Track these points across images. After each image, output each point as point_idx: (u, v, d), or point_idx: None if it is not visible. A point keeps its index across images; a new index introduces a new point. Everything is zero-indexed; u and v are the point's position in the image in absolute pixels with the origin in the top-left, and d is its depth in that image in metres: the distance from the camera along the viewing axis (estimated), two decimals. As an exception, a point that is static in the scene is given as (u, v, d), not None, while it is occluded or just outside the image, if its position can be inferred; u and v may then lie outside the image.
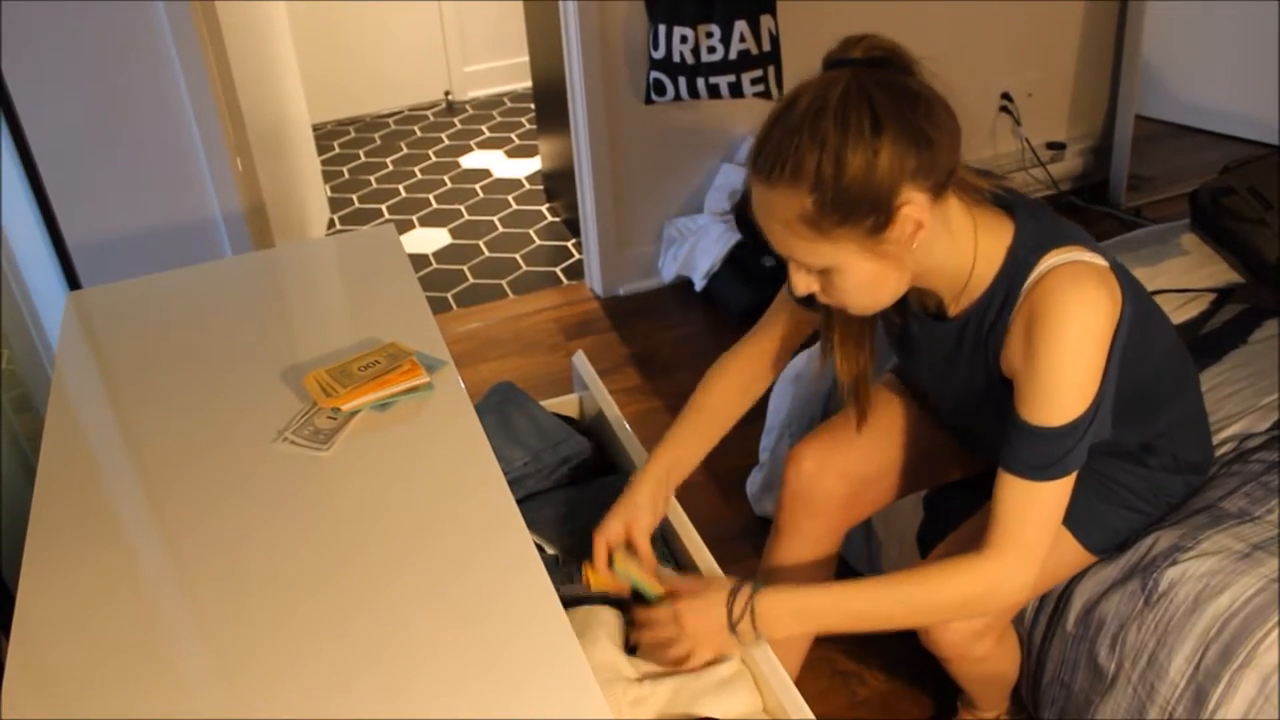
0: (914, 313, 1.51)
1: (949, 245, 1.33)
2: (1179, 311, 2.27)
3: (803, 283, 1.32)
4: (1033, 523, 1.35)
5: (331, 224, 4.21)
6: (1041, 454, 1.32)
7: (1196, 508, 1.72)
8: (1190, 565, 1.59)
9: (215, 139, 2.80)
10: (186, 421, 1.53)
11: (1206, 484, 1.77)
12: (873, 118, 1.18)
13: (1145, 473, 1.65)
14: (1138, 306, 1.43)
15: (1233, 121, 4.24)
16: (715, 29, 3.08)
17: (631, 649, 1.44)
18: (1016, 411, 1.33)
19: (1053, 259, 1.31)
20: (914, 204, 1.22)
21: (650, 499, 1.56)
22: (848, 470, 1.74)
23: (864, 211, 1.21)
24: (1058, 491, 1.34)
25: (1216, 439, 1.88)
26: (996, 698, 1.86)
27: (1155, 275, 2.38)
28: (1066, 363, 1.28)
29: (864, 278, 1.28)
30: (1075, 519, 1.61)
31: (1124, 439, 1.60)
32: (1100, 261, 1.32)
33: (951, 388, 1.54)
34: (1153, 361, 1.55)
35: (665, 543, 1.64)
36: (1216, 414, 1.94)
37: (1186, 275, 2.39)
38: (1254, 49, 4.09)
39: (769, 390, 2.41)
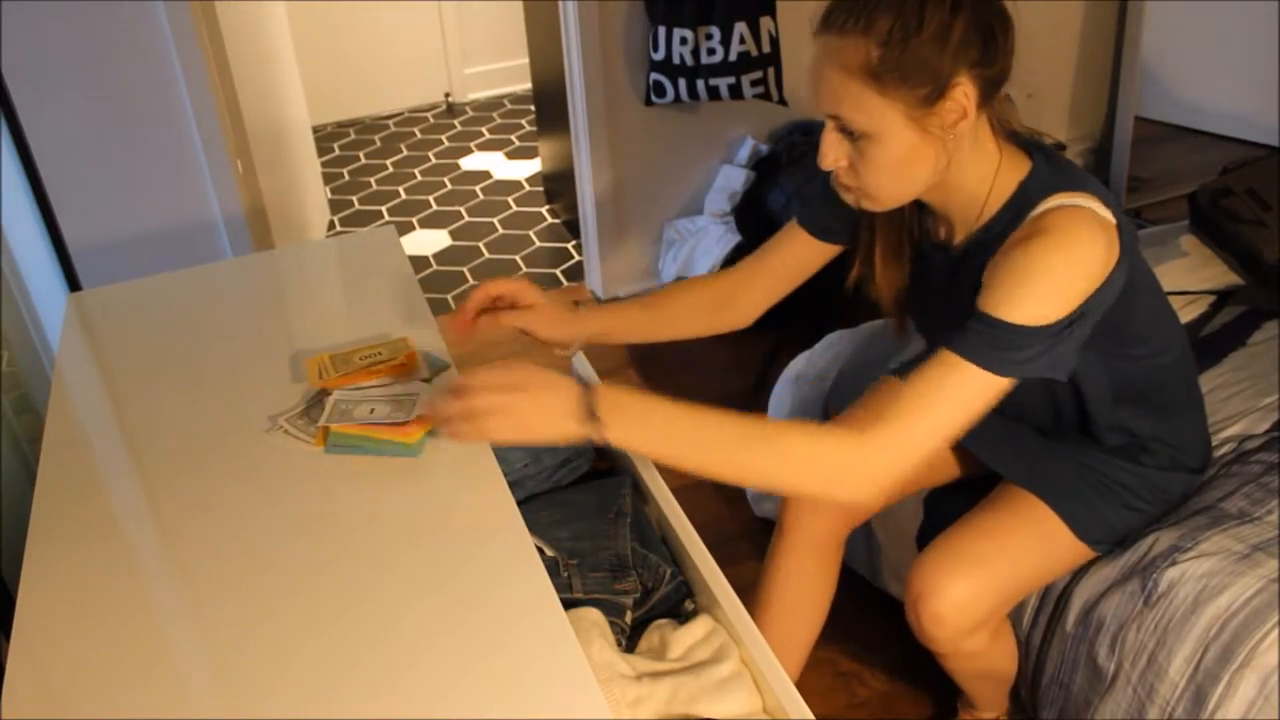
0: (926, 244, 1.53)
1: (975, 162, 1.38)
2: (1180, 313, 2.27)
3: (833, 151, 1.34)
4: (934, 405, 1.25)
5: (332, 226, 4.22)
6: (986, 341, 1.26)
7: (1196, 508, 1.72)
8: (1190, 566, 1.59)
9: (215, 141, 2.80)
10: (186, 422, 1.53)
11: (1206, 485, 1.77)
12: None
13: (1142, 471, 1.66)
14: (1147, 293, 1.44)
15: (1232, 123, 4.24)
16: (715, 31, 3.08)
17: (629, 649, 1.44)
18: (978, 305, 1.28)
19: (1059, 199, 1.32)
20: (966, 92, 1.27)
21: (555, 303, 1.58)
22: None
23: (922, 79, 1.25)
24: (979, 384, 1.25)
25: (1216, 440, 1.88)
26: (995, 697, 1.86)
27: (1156, 277, 2.37)
28: (1045, 268, 1.26)
29: (900, 152, 1.30)
30: (1071, 514, 1.62)
31: (1132, 425, 1.61)
32: (1108, 216, 1.32)
33: (947, 324, 1.52)
34: (1160, 348, 1.56)
35: (666, 544, 1.64)
36: (1216, 415, 1.94)
37: (1186, 277, 2.39)
38: (1253, 50, 4.10)
39: (769, 393, 2.42)
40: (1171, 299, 2.30)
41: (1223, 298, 2.32)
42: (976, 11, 1.25)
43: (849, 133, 1.31)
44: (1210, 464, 1.80)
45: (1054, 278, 1.26)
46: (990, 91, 1.31)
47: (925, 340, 1.70)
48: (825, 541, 1.79)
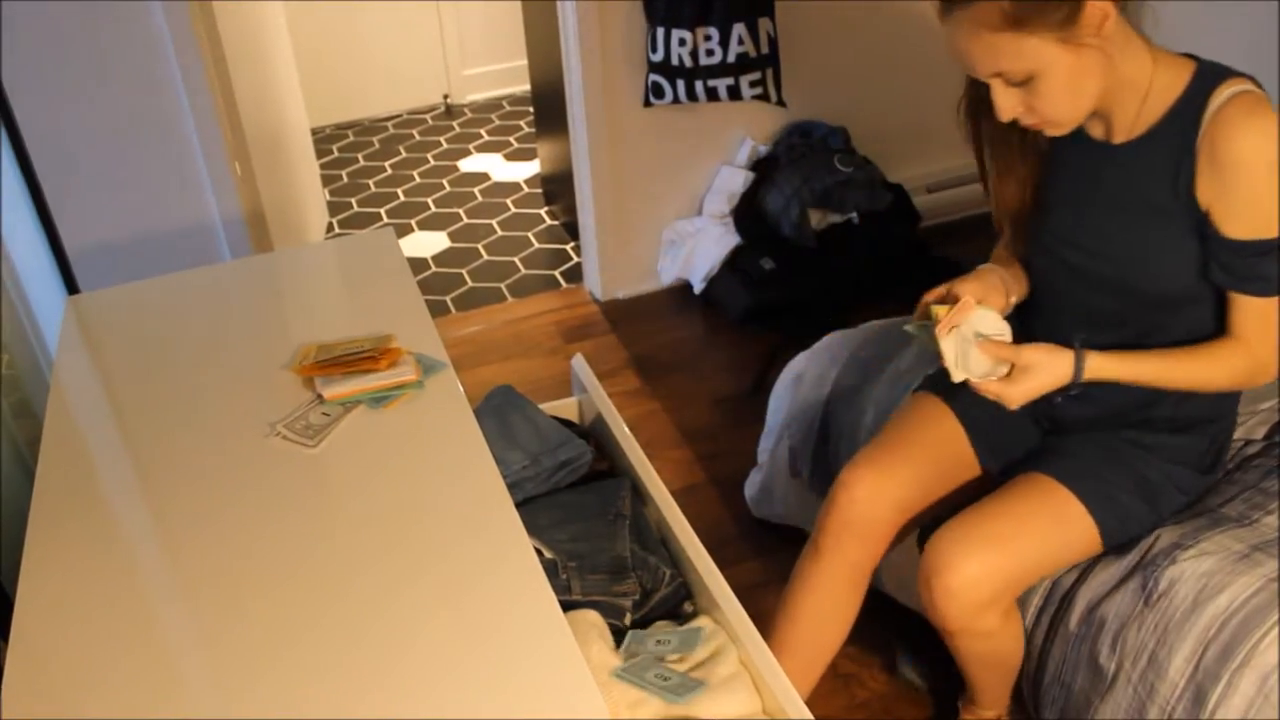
0: (1086, 143, 1.57)
1: (1129, 56, 1.45)
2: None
3: (1009, 104, 1.43)
4: (1273, 331, 1.50)
5: (330, 228, 4.22)
6: (1264, 265, 1.45)
7: (1197, 511, 1.72)
8: (1189, 565, 1.59)
9: (214, 144, 2.80)
10: (184, 424, 1.53)
11: (1207, 491, 1.77)
12: None
13: (1167, 468, 1.68)
14: None
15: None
16: (713, 32, 3.08)
17: (630, 654, 1.44)
18: (1226, 236, 1.44)
19: (1236, 85, 1.43)
20: None
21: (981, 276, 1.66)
22: (899, 498, 1.73)
23: (1055, 2, 1.33)
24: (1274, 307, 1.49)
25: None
26: (998, 690, 1.86)
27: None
28: (1270, 179, 1.39)
29: (1065, 75, 1.38)
30: (1095, 502, 1.63)
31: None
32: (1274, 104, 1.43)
33: (1103, 222, 1.58)
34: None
35: (665, 545, 1.64)
36: (1215, 415, 1.94)
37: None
38: (1245, 39, 4.10)
39: (768, 394, 2.42)
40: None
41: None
42: None
43: (1015, 83, 1.40)
44: (1224, 466, 1.81)
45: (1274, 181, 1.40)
46: None
47: (1036, 253, 1.71)
48: (862, 566, 1.77)
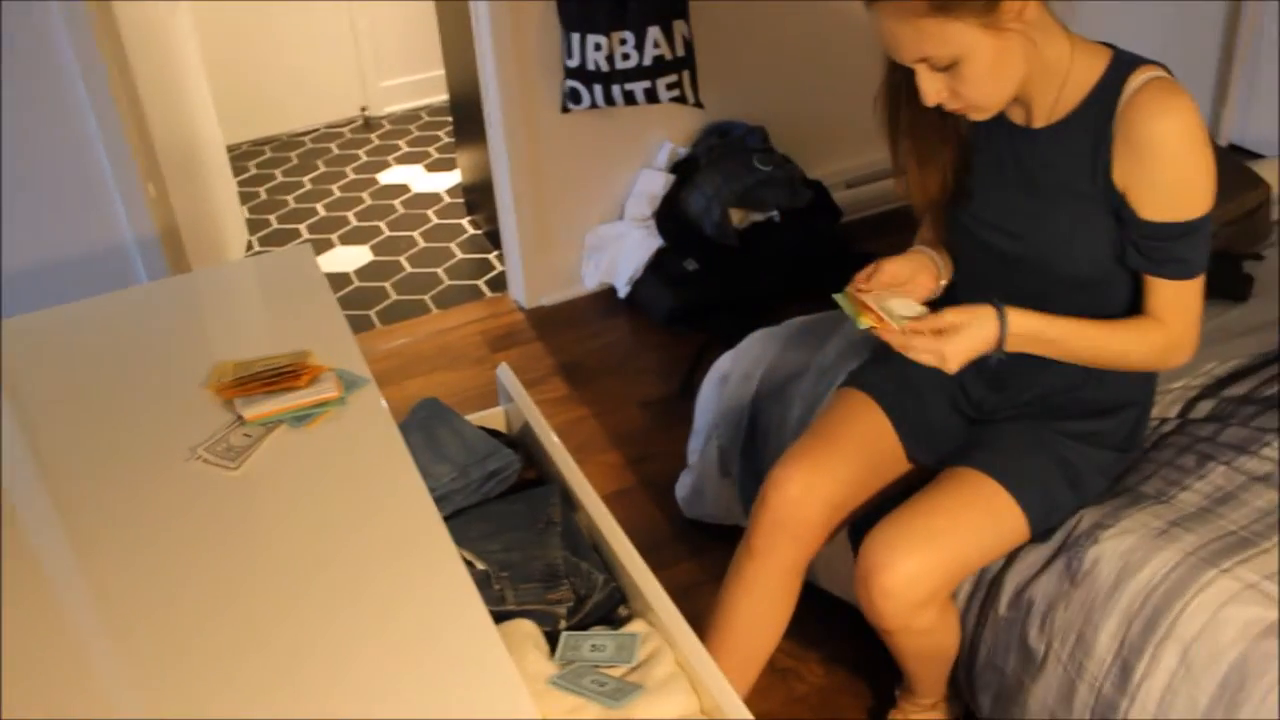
0: (1006, 128, 1.60)
1: (1049, 41, 1.49)
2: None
3: (932, 89, 1.46)
4: (1188, 313, 1.55)
5: (250, 246, 4.16)
6: (1180, 248, 1.50)
7: (1116, 490, 1.76)
8: (1111, 544, 1.63)
9: (125, 165, 2.75)
10: (101, 452, 1.50)
11: (1126, 470, 1.81)
12: None
13: (1089, 451, 1.71)
14: None
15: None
16: (629, 36, 3.09)
17: (566, 659, 1.43)
18: (1142, 218, 1.49)
19: (1149, 71, 1.48)
20: None
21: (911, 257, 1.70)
22: (830, 496, 1.74)
23: None
24: (1199, 285, 1.54)
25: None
26: (935, 680, 1.88)
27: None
28: (1194, 159, 1.45)
29: (989, 60, 1.42)
30: (1024, 495, 1.65)
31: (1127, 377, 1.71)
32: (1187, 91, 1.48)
33: (1024, 206, 1.60)
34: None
35: (597, 550, 1.64)
36: (1131, 396, 1.98)
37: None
38: (1154, 35, 4.20)
39: (695, 394, 2.42)
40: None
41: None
42: None
43: (939, 68, 1.43)
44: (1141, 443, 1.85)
45: (1195, 162, 1.45)
46: None
47: (958, 238, 1.73)
48: (795, 565, 1.78)
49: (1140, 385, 1.75)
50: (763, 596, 1.79)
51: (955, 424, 1.81)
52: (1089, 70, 1.51)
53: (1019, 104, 1.57)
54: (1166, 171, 1.45)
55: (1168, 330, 1.56)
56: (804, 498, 1.73)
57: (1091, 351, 1.59)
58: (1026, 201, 1.59)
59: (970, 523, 1.64)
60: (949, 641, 1.79)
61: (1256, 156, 3.84)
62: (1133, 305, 1.60)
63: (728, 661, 1.73)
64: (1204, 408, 1.94)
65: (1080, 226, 1.55)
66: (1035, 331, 1.56)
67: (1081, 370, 1.66)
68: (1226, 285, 2.28)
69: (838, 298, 1.62)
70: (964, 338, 1.53)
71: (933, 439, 1.81)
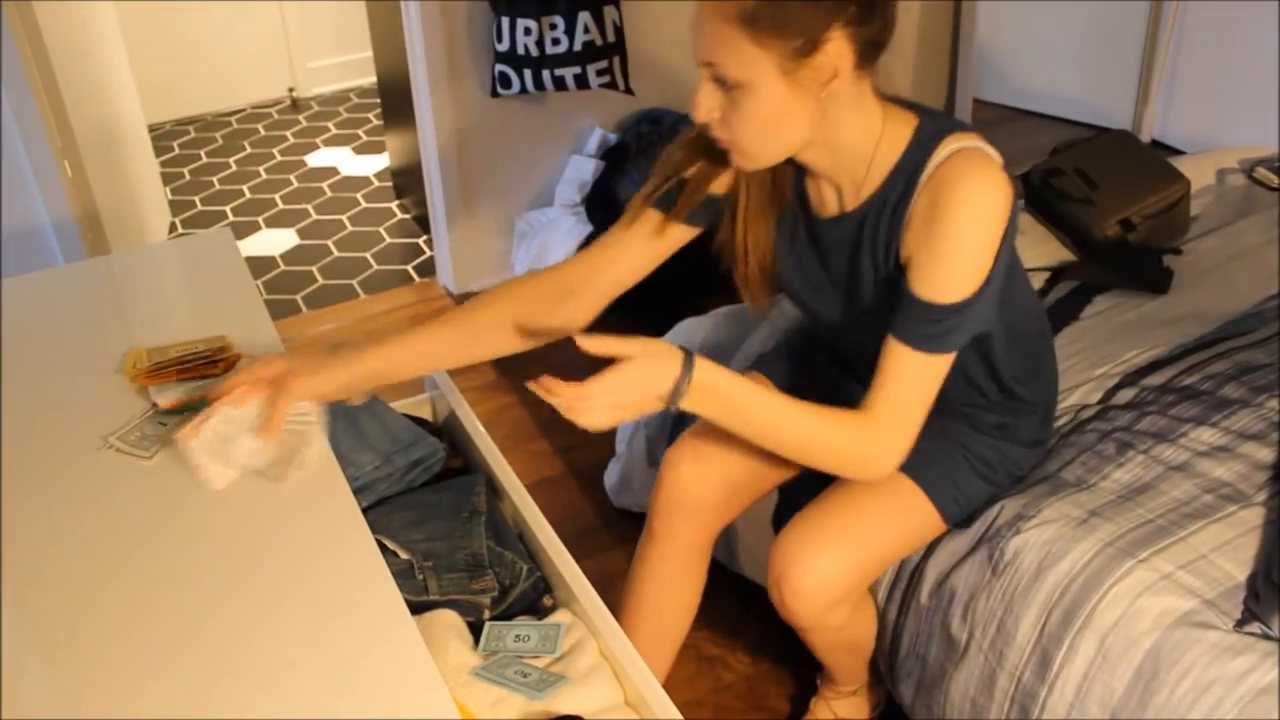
0: (815, 219, 1.52)
1: (858, 122, 1.39)
2: (1016, 289, 2.34)
3: (708, 102, 1.34)
4: (913, 392, 1.40)
5: (173, 228, 4.08)
6: (932, 327, 1.36)
7: (1037, 478, 1.78)
8: (1032, 534, 1.65)
9: (39, 145, 2.68)
10: (15, 440, 1.46)
11: (1046, 456, 1.83)
12: None
13: (1001, 445, 1.72)
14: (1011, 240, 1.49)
15: (1062, 104, 4.40)
16: (559, 20, 3.07)
17: (492, 651, 1.42)
18: (910, 289, 1.37)
19: (956, 142, 1.37)
20: (839, 49, 1.28)
21: (328, 368, 1.46)
22: (725, 476, 1.74)
23: (796, 29, 1.26)
24: (939, 366, 1.39)
25: (1054, 412, 1.94)
26: (855, 670, 1.89)
27: (993, 255, 2.44)
28: (965, 243, 1.33)
29: (772, 104, 1.31)
30: (934, 488, 1.66)
31: (1020, 376, 1.66)
32: (997, 157, 1.38)
33: (851, 295, 1.54)
34: (1023, 313, 1.62)
35: (522, 540, 1.63)
36: (1054, 386, 2.01)
37: (1022, 254, 2.46)
38: (1080, 34, 4.26)
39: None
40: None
41: (1056, 274, 2.40)
42: None
43: (723, 84, 1.31)
44: (1052, 438, 1.87)
45: (971, 246, 1.34)
46: (867, 54, 1.32)
47: (808, 314, 1.68)
48: (697, 545, 1.78)
49: (1043, 389, 1.73)
50: (667, 579, 1.79)
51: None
52: (894, 143, 1.41)
53: (829, 187, 1.48)
54: (948, 243, 1.33)
55: (876, 420, 1.38)
56: (696, 477, 1.72)
57: (790, 431, 1.40)
58: (848, 291, 1.54)
59: (881, 519, 1.63)
60: (864, 634, 1.80)
61: (1177, 152, 3.92)
62: (979, 360, 1.59)
63: (640, 646, 1.73)
64: (1124, 395, 1.97)
65: (890, 306, 1.42)
66: (724, 390, 1.36)
67: (975, 389, 1.65)
68: (1147, 278, 2.32)
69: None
70: (638, 370, 1.33)
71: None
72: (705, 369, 1.35)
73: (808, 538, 1.60)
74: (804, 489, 1.90)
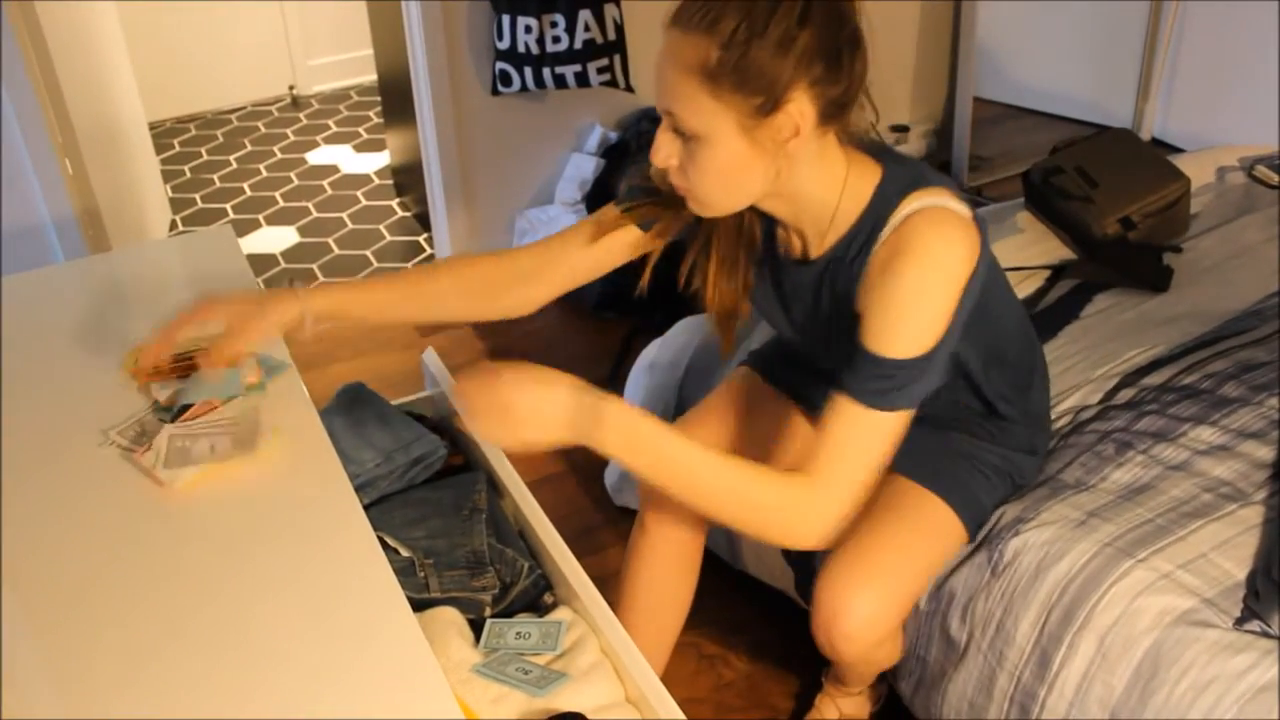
0: (781, 260, 1.50)
1: (819, 175, 1.36)
2: (1017, 289, 2.34)
3: (666, 149, 1.32)
4: (858, 451, 1.30)
5: (174, 225, 4.08)
6: (882, 382, 1.29)
7: (1036, 480, 1.78)
8: (1031, 535, 1.65)
9: (40, 142, 2.68)
10: (18, 436, 1.46)
11: (1046, 457, 1.83)
12: (803, 12, 1.21)
13: (1006, 453, 1.71)
14: (992, 267, 1.47)
15: (1062, 102, 4.40)
16: (560, 18, 3.07)
17: (494, 649, 1.42)
18: (862, 341, 1.31)
19: (919, 200, 1.33)
20: (801, 109, 1.25)
21: (277, 307, 1.45)
22: None
23: (757, 88, 1.23)
24: (887, 425, 1.30)
25: (1054, 413, 1.95)
26: (869, 677, 1.91)
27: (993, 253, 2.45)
28: (921, 298, 1.29)
29: (729, 159, 1.28)
30: (957, 500, 1.64)
31: (1006, 393, 1.65)
32: (964, 210, 1.34)
33: (820, 337, 1.53)
34: (1006, 335, 1.61)
35: (523, 537, 1.63)
36: (1054, 389, 2.00)
37: (1022, 253, 2.47)
38: (1079, 32, 4.26)
39: (624, 381, 2.42)
40: (1009, 275, 2.37)
41: (1057, 272, 2.40)
42: (826, 28, 1.23)
43: (683, 133, 1.29)
44: (1048, 440, 1.87)
45: (927, 303, 1.29)
46: (832, 112, 1.29)
47: (791, 344, 1.68)
48: (688, 536, 1.79)
49: (1030, 404, 1.72)
50: (660, 570, 1.80)
51: None
52: (858, 196, 1.38)
53: (794, 233, 1.46)
54: (901, 296, 1.29)
55: (814, 480, 1.29)
56: None
57: (719, 484, 1.30)
58: (816, 334, 1.53)
59: (918, 546, 1.61)
60: (897, 653, 1.80)
61: (1177, 150, 3.92)
62: (953, 392, 1.58)
63: (636, 640, 1.74)
64: (1124, 395, 1.98)
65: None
66: (648, 434, 1.30)
67: (962, 408, 1.65)
68: (1147, 276, 2.32)
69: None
70: (519, 391, 1.29)
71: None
72: (624, 409, 1.30)
73: (853, 579, 1.55)
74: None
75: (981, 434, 1.70)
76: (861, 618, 1.54)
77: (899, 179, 1.36)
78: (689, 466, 1.30)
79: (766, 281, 1.55)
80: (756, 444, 1.79)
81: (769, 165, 1.30)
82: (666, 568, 1.80)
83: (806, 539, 1.31)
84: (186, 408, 1.46)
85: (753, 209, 1.42)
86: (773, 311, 1.59)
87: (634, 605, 1.82)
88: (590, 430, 1.30)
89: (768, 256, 1.53)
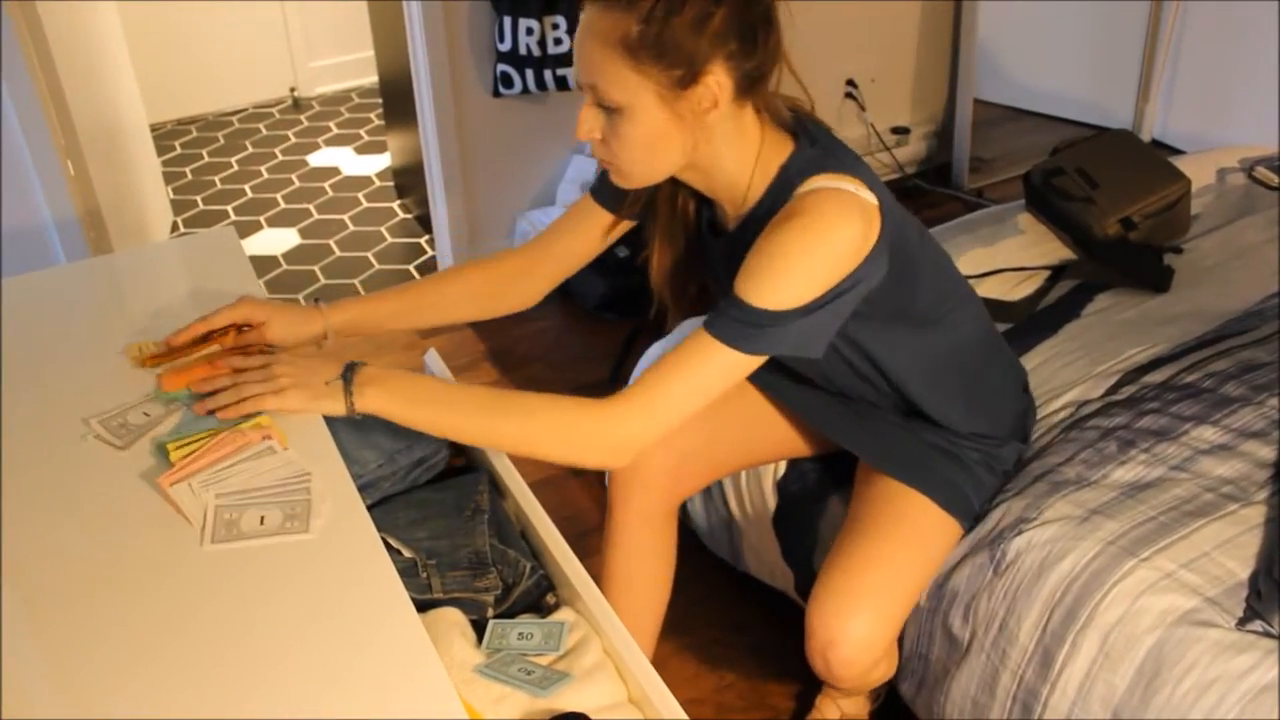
0: (705, 233, 1.56)
1: (736, 148, 1.41)
2: (1017, 289, 2.34)
3: (588, 123, 1.37)
4: (684, 377, 1.35)
5: (175, 227, 4.08)
6: (737, 322, 1.33)
7: (1036, 474, 1.77)
8: (1034, 534, 1.65)
9: (42, 143, 2.68)
10: (18, 437, 1.46)
11: (1045, 450, 1.84)
12: None
13: (982, 445, 1.72)
14: (915, 263, 1.50)
15: (1062, 104, 4.40)
16: (561, 20, 3.07)
17: (494, 650, 1.43)
18: (734, 285, 1.35)
19: (819, 181, 1.36)
20: (719, 81, 1.31)
21: (289, 306, 1.57)
22: (671, 441, 1.70)
23: (676, 60, 1.28)
24: (725, 362, 1.34)
25: (1054, 406, 1.95)
26: (865, 690, 1.91)
27: (994, 255, 2.45)
28: (796, 256, 1.32)
29: (650, 129, 1.33)
30: (942, 495, 1.65)
31: (951, 409, 1.67)
32: (870, 199, 1.36)
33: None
34: (955, 325, 1.63)
35: (525, 538, 1.63)
36: (1053, 383, 2.01)
37: (1022, 253, 2.48)
38: (1080, 33, 4.26)
39: (626, 382, 2.42)
40: (1010, 275, 2.38)
41: (1057, 272, 2.40)
42: (740, 6, 1.29)
43: (605, 106, 1.34)
44: (1033, 428, 1.89)
45: (801, 262, 1.32)
46: (747, 85, 1.35)
47: None
48: (655, 513, 1.79)
49: (982, 422, 1.73)
50: (633, 550, 1.81)
51: (830, 400, 1.80)
52: (767, 170, 1.42)
53: (718, 208, 1.51)
54: (774, 248, 1.32)
55: (627, 397, 1.36)
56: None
57: (505, 406, 1.41)
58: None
59: (908, 559, 1.61)
60: (892, 668, 1.80)
61: (1177, 151, 3.92)
62: (906, 344, 1.60)
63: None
64: (1125, 391, 1.98)
65: None
66: (402, 378, 1.41)
67: (911, 377, 1.65)
68: (1148, 276, 2.33)
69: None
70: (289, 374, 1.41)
71: (799, 395, 1.81)
72: (371, 367, 1.41)
73: (844, 604, 1.56)
74: (803, 489, 1.90)
75: (952, 432, 1.71)
76: (857, 642, 1.55)
77: (804, 161, 1.41)
78: (464, 396, 1.41)
79: (700, 256, 1.60)
80: (737, 428, 1.82)
81: (687, 136, 1.35)
82: (638, 546, 1.81)
83: (603, 457, 1.39)
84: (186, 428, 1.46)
85: (686, 185, 1.47)
86: (712, 285, 1.63)
87: (613, 587, 1.83)
88: (359, 391, 1.39)
89: (707, 232, 1.57)
